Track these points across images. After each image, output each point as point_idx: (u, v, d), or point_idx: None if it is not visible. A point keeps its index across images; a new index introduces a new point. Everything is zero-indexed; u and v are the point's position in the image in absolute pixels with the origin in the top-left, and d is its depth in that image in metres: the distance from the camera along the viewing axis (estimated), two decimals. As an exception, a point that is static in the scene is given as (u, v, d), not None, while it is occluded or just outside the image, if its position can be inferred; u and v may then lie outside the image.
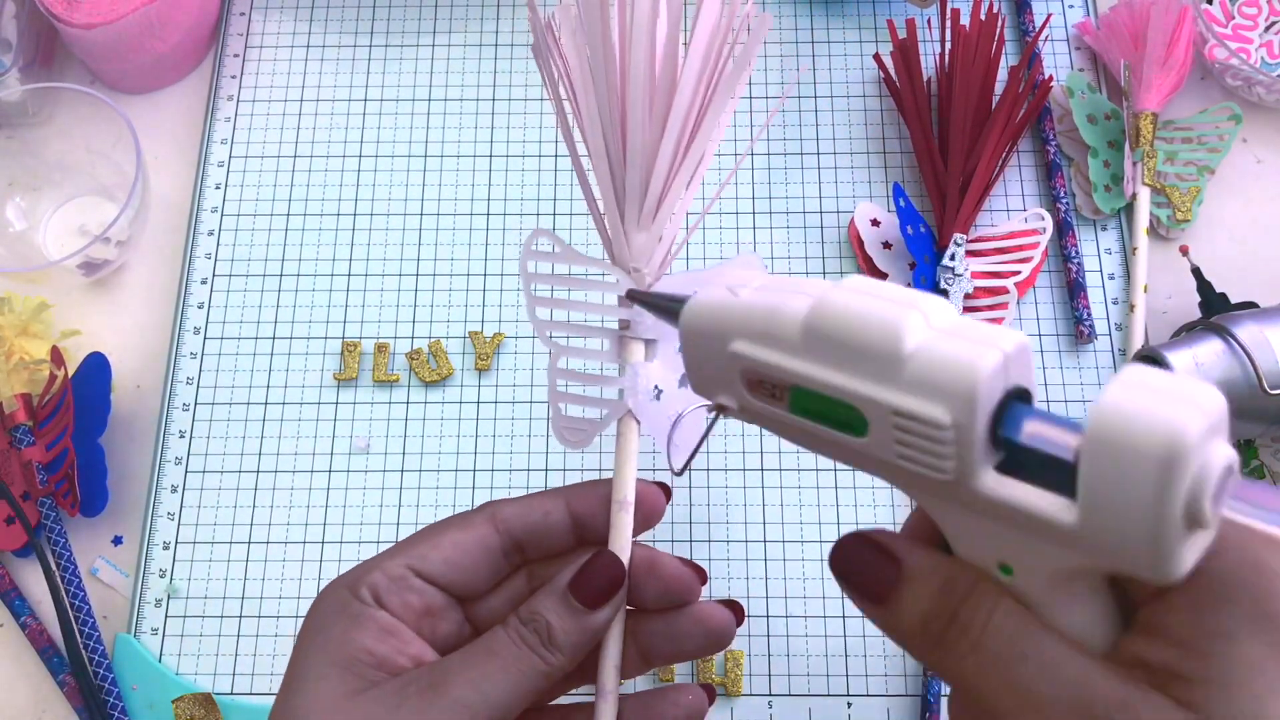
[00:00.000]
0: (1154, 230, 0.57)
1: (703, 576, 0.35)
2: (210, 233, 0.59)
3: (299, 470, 0.54)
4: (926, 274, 0.54)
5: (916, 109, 0.58)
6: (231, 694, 0.50)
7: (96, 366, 0.54)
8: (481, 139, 0.61)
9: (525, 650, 0.31)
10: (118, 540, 0.53)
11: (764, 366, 0.27)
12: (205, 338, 0.56)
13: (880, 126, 0.61)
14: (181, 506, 0.53)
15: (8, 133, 0.58)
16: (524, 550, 0.35)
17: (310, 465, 0.54)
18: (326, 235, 0.59)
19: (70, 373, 0.54)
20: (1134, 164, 0.57)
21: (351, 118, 0.62)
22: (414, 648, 0.32)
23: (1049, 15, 0.62)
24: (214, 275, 0.58)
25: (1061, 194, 0.58)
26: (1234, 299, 0.53)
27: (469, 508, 0.36)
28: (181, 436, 0.54)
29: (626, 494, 0.34)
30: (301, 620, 0.33)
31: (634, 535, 0.34)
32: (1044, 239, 0.55)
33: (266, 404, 0.55)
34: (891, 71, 0.60)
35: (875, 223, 0.57)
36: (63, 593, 0.51)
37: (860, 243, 0.57)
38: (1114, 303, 0.56)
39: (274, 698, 0.32)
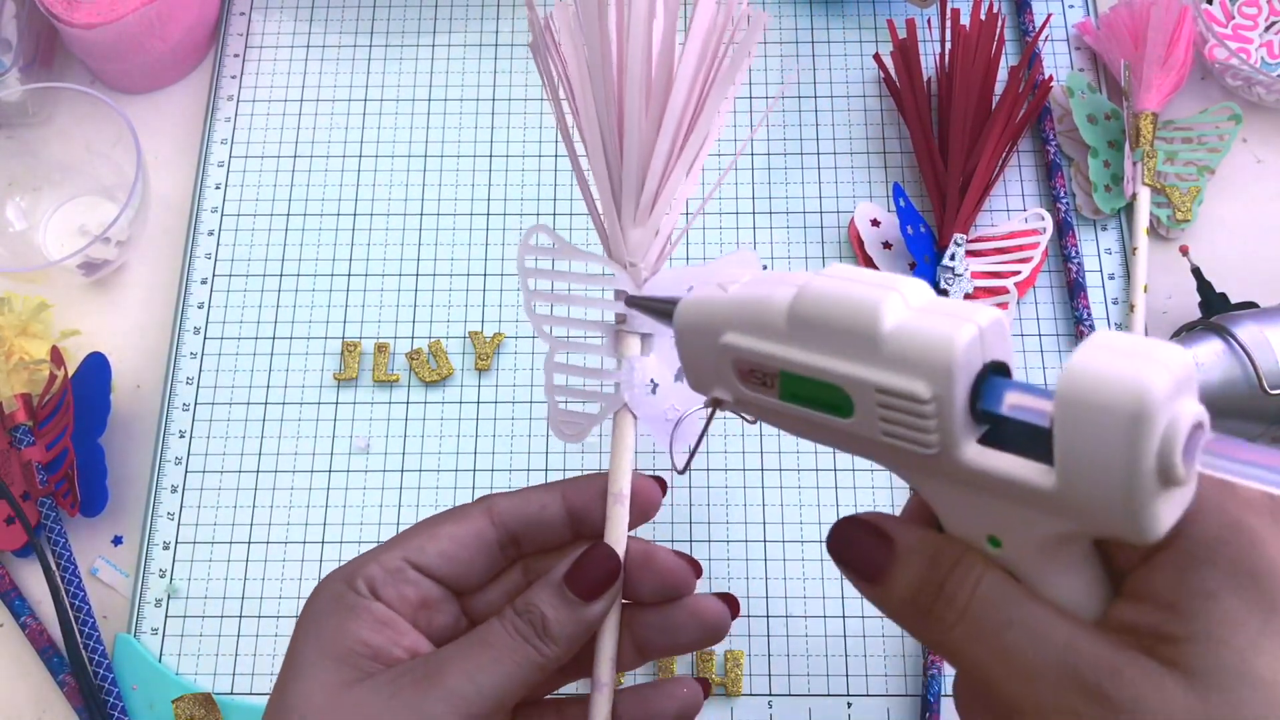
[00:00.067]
0: (1154, 230, 0.57)
1: (698, 569, 0.35)
2: (210, 233, 0.59)
3: (299, 470, 0.54)
4: (926, 274, 0.54)
5: (916, 109, 0.58)
6: (231, 694, 0.50)
7: (96, 366, 0.54)
8: (481, 139, 0.61)
9: (520, 641, 0.31)
10: (118, 540, 0.53)
11: (753, 355, 0.28)
12: (205, 338, 0.56)
13: (880, 126, 0.61)
14: (181, 506, 0.53)
15: (8, 133, 0.58)
16: (520, 543, 0.35)
17: (310, 465, 0.54)
18: (326, 235, 0.59)
19: (70, 373, 0.54)
20: (1134, 164, 0.57)
21: (351, 118, 0.62)
22: (409, 639, 0.32)
23: (1049, 15, 0.62)
24: (214, 275, 0.58)
25: (1061, 194, 0.58)
26: (1234, 299, 0.53)
27: (467, 504, 0.36)
28: (181, 436, 0.54)
29: (622, 487, 0.34)
30: (301, 619, 0.33)
31: (630, 528, 0.34)
32: (1044, 239, 0.55)
33: (266, 404, 0.55)
34: (891, 71, 0.60)
35: (875, 223, 0.57)
36: (63, 593, 0.51)
37: (860, 243, 0.57)
38: (1114, 303, 0.56)
39: (273, 695, 0.32)
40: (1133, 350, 0.22)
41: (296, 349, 0.56)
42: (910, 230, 0.55)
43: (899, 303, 0.25)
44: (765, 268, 0.57)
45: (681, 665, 0.50)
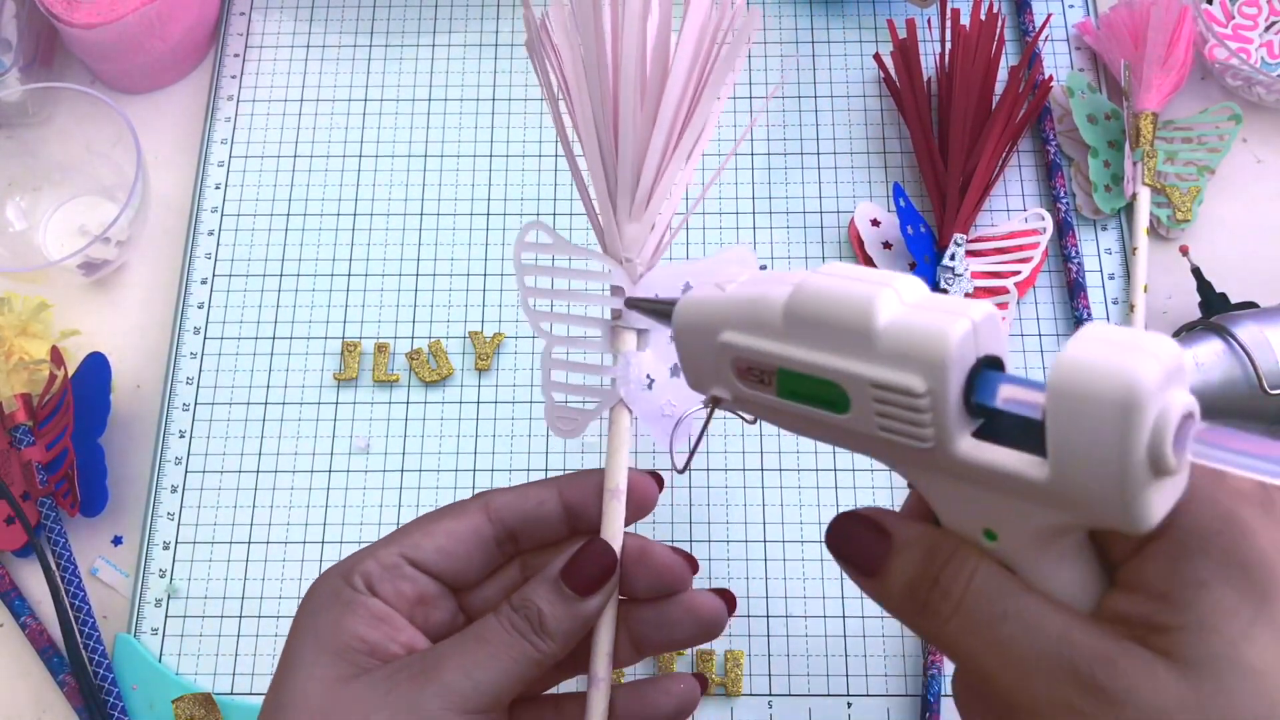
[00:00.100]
0: (1154, 230, 0.57)
1: (694, 565, 0.35)
2: (210, 233, 0.59)
3: (299, 470, 0.54)
4: (927, 274, 0.54)
5: (916, 109, 0.58)
6: (231, 694, 0.50)
7: (96, 366, 0.54)
8: (481, 139, 0.61)
9: (516, 637, 0.31)
10: (118, 540, 0.53)
11: (751, 353, 0.28)
12: (205, 338, 0.56)
13: (880, 126, 0.61)
14: (181, 506, 0.53)
15: (8, 133, 0.58)
16: (517, 540, 0.35)
17: (310, 465, 0.54)
18: (326, 235, 0.59)
19: (70, 373, 0.54)
20: (1134, 164, 0.57)
21: (351, 118, 0.62)
22: (406, 635, 0.32)
23: (1049, 15, 0.62)
24: (214, 275, 0.58)
25: (1061, 194, 0.58)
26: (1234, 299, 0.53)
27: (465, 501, 0.37)
28: (181, 436, 0.54)
29: (618, 482, 0.34)
30: (301, 618, 0.33)
31: (627, 524, 0.35)
32: (1044, 239, 0.55)
33: (266, 404, 0.55)
34: (891, 71, 0.60)
35: (875, 223, 0.57)
36: (63, 593, 0.51)
37: (860, 243, 0.57)
38: (1114, 303, 0.56)
39: (272, 694, 0.32)
40: (1123, 341, 0.22)
41: (296, 349, 0.56)
42: (910, 230, 0.55)
43: (893, 299, 0.26)
44: (764, 267, 0.57)
45: (681, 665, 0.50)
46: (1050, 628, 0.25)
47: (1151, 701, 0.23)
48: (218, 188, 0.60)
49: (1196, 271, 0.54)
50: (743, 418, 0.31)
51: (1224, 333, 0.49)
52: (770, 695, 0.49)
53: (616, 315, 0.37)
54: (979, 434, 0.25)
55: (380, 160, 0.61)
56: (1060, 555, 0.26)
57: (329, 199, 0.60)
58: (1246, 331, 0.48)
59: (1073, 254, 0.56)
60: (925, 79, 0.60)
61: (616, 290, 0.36)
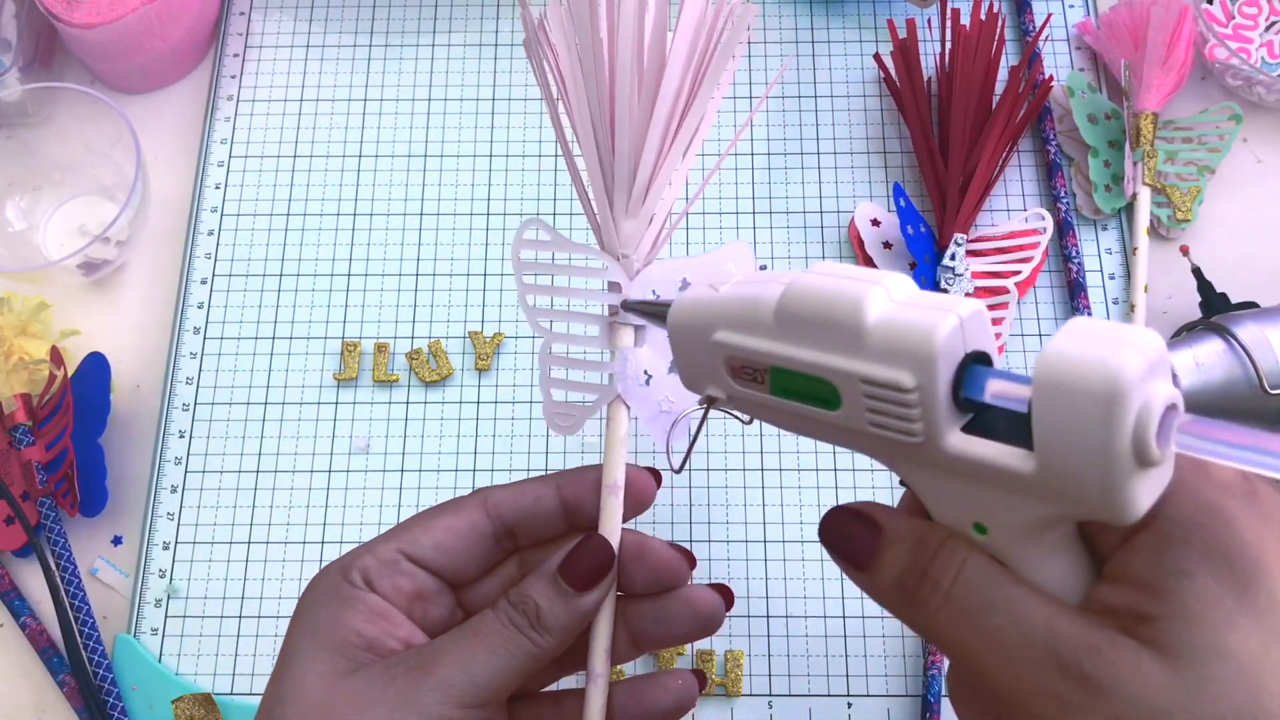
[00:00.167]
0: (1154, 230, 0.57)
1: (692, 561, 0.35)
2: (210, 233, 0.59)
3: (299, 470, 0.54)
4: (927, 274, 0.54)
5: (916, 109, 0.58)
6: (231, 694, 0.50)
7: (96, 366, 0.54)
8: (481, 139, 0.61)
9: (513, 632, 0.31)
10: (117, 540, 0.53)
11: (744, 352, 0.29)
12: (205, 338, 0.56)
13: (880, 126, 0.61)
14: (181, 506, 0.53)
15: (8, 133, 0.58)
16: (515, 535, 0.35)
17: (310, 465, 0.54)
18: (326, 235, 0.59)
19: (70, 373, 0.54)
20: (1134, 164, 0.57)
21: (351, 118, 0.62)
22: (404, 630, 0.32)
23: (1049, 15, 0.62)
24: (214, 275, 0.58)
25: (1062, 194, 0.58)
26: (1234, 299, 0.53)
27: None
28: (181, 436, 0.54)
29: (616, 478, 0.34)
30: (300, 618, 0.33)
31: (625, 520, 0.35)
32: (1044, 239, 0.55)
33: (266, 404, 0.55)
34: (892, 71, 0.60)
35: (875, 222, 0.57)
36: (62, 593, 0.51)
37: (860, 243, 0.57)
38: (1114, 303, 0.56)
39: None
40: (1106, 334, 0.23)
41: (296, 349, 0.56)
42: (910, 230, 0.55)
43: (882, 296, 0.26)
44: (764, 267, 0.57)
45: (681, 664, 0.49)
46: (1037, 618, 0.25)
47: (1136, 691, 0.23)
48: (217, 187, 0.60)
49: (1197, 271, 0.54)
50: (738, 418, 0.32)
51: (1224, 333, 0.49)
52: (770, 695, 0.49)
53: (614, 312, 0.37)
54: (968, 428, 0.26)
55: (380, 160, 0.61)
56: (1049, 548, 0.26)
57: (329, 199, 0.60)
58: (1247, 331, 0.48)
59: (1073, 254, 0.56)
60: (925, 79, 0.60)
61: (614, 286, 0.36)
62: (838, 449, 0.53)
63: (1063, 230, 0.57)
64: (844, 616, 0.50)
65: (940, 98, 0.59)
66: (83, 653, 0.50)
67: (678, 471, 0.36)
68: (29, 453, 0.52)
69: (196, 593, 0.51)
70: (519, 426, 0.54)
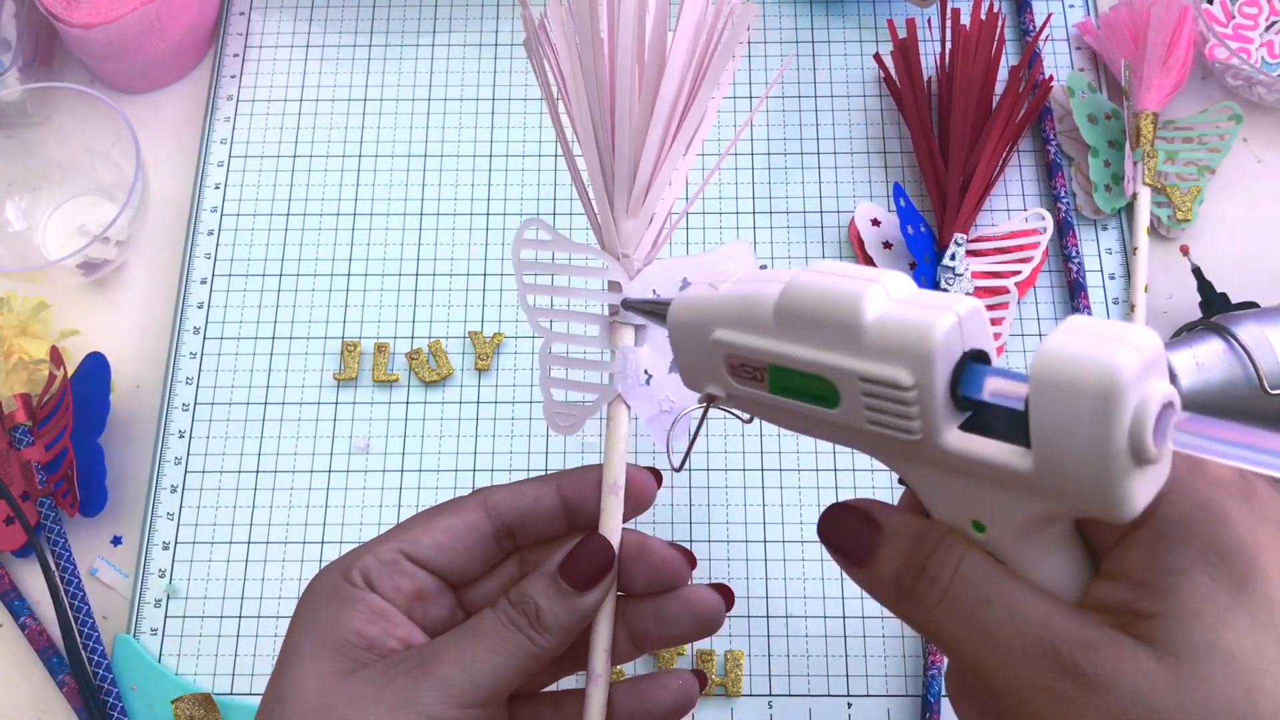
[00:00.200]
0: (1155, 230, 0.57)
1: (692, 561, 0.35)
2: (210, 232, 0.59)
3: (299, 470, 0.54)
4: (927, 274, 0.54)
5: (917, 109, 0.58)
6: (231, 694, 0.50)
7: (96, 366, 0.54)
8: (481, 139, 0.61)
9: (513, 631, 0.31)
10: (117, 540, 0.53)
11: (743, 350, 0.29)
12: (205, 338, 0.56)
13: (880, 126, 0.61)
14: (181, 506, 0.53)
15: (7, 133, 0.58)
16: (515, 535, 0.35)
17: (310, 465, 0.54)
18: (326, 235, 0.59)
19: (69, 373, 0.54)
20: (1134, 164, 0.57)
21: (351, 118, 0.62)
22: (404, 630, 0.32)
23: (1049, 15, 0.62)
24: (214, 275, 0.58)
25: (1062, 194, 0.58)
26: (1234, 299, 0.53)
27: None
28: (181, 436, 0.54)
29: (616, 478, 0.34)
30: (300, 618, 0.33)
31: (626, 520, 0.35)
32: (1044, 239, 0.55)
33: (266, 404, 0.55)
34: (892, 71, 0.60)
35: (875, 222, 0.57)
36: (62, 593, 0.51)
37: (860, 242, 0.57)
38: (1114, 303, 0.56)
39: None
40: (1103, 332, 0.23)
41: (296, 349, 0.56)
42: (910, 230, 0.55)
43: (880, 294, 0.26)
44: (764, 267, 0.57)
45: (682, 664, 0.49)
46: (1034, 614, 0.25)
47: (1132, 687, 0.23)
48: (217, 187, 0.60)
49: (1197, 271, 0.54)
50: (738, 416, 0.32)
51: (1225, 332, 0.49)
52: (770, 695, 0.49)
53: (614, 311, 0.37)
54: (966, 426, 0.26)
55: (380, 160, 0.61)
56: (1047, 545, 0.26)
57: (329, 199, 0.60)
58: (1247, 331, 0.48)
59: (1073, 254, 0.56)
60: (925, 79, 0.60)
61: (614, 286, 0.36)
62: (837, 448, 0.53)
63: (1063, 230, 0.57)
64: (844, 616, 0.50)
65: (940, 98, 0.59)
66: (82, 653, 0.50)
67: (678, 470, 0.36)
68: (29, 453, 0.52)
69: (196, 593, 0.51)
70: (519, 426, 0.54)
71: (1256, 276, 0.56)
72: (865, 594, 0.29)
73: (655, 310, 0.34)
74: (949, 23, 0.58)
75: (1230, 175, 0.59)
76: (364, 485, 0.53)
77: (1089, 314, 0.55)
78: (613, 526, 0.34)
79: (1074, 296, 0.55)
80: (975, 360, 0.26)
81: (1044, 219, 0.56)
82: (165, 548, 0.52)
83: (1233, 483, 0.25)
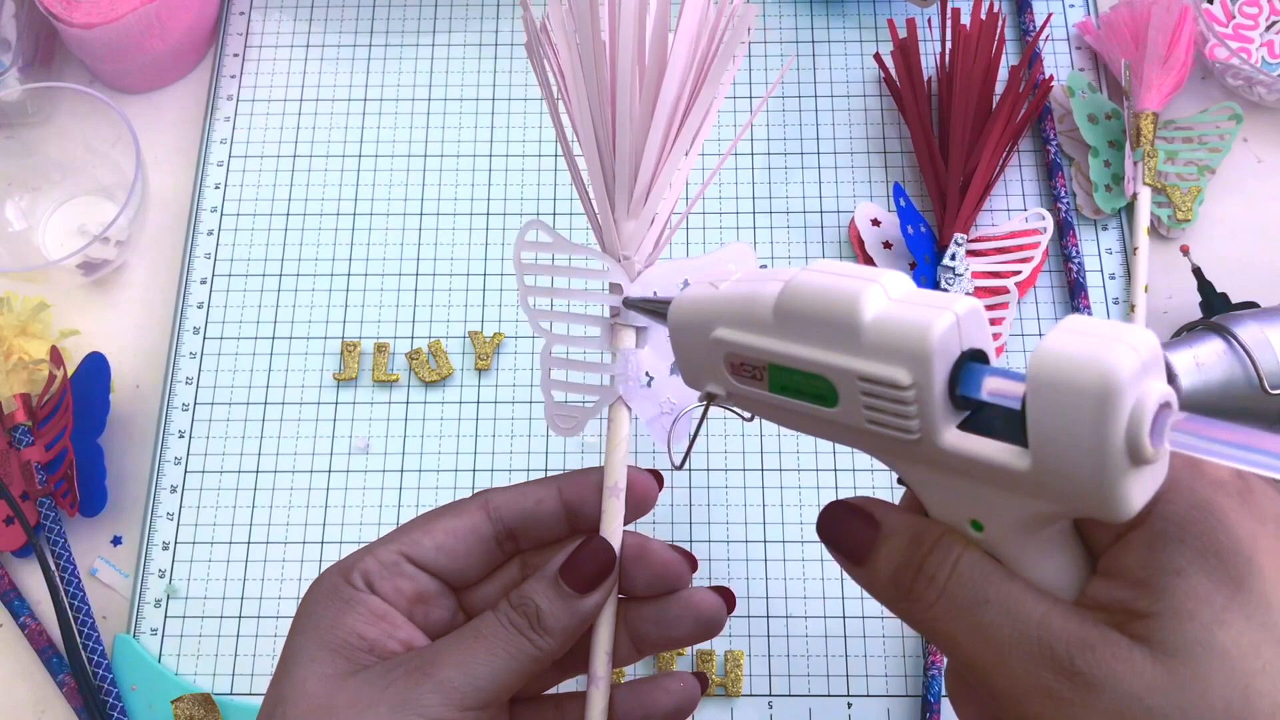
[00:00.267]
0: (1155, 230, 0.57)
1: (693, 563, 0.35)
2: (210, 232, 0.59)
3: (299, 470, 0.54)
4: (927, 274, 0.54)
5: (917, 109, 0.58)
6: (231, 694, 0.50)
7: (96, 366, 0.54)
8: (481, 139, 0.61)
9: (514, 633, 0.31)
10: (117, 540, 0.53)
11: (743, 349, 0.29)
12: (205, 338, 0.56)
13: (880, 126, 0.61)
14: (181, 506, 0.53)
15: (7, 133, 0.58)
16: (516, 538, 0.35)
17: (310, 465, 0.54)
18: (326, 235, 0.59)
19: (69, 372, 0.54)
20: (1135, 164, 0.57)
21: (351, 118, 0.62)
22: (405, 633, 0.32)
23: (1049, 15, 0.62)
24: (213, 275, 0.58)
25: (1062, 194, 0.58)
26: (1235, 299, 0.53)
27: (465, 500, 0.37)
28: (181, 436, 0.54)
29: (617, 480, 0.34)
30: (301, 618, 0.33)
31: (627, 523, 0.35)
32: (1044, 239, 0.55)
33: (266, 404, 0.55)
34: (892, 71, 0.60)
35: (876, 222, 0.57)
36: (62, 593, 0.51)
37: (860, 242, 0.57)
38: (1115, 303, 0.56)
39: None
40: (1100, 332, 0.23)
41: (296, 349, 0.56)
42: (910, 230, 0.55)
43: (879, 294, 0.26)
44: (764, 267, 0.57)
45: (682, 665, 0.49)
46: (1031, 614, 0.25)
47: (1128, 686, 0.23)
48: (217, 187, 0.60)
49: (1197, 271, 0.54)
50: (739, 414, 0.32)
51: (1225, 333, 0.49)
52: (770, 695, 0.49)
53: (615, 313, 0.37)
54: (965, 426, 0.26)
55: (380, 160, 0.61)
56: (1045, 545, 0.26)
57: (329, 199, 0.60)
58: (1247, 331, 0.48)
59: (1073, 254, 0.56)
60: (925, 79, 0.60)
61: (615, 288, 0.36)
62: (837, 448, 0.53)
63: (1063, 230, 0.57)
64: (844, 616, 0.50)
65: (940, 98, 0.59)
66: (82, 653, 0.50)
67: (678, 468, 0.36)
68: (29, 453, 0.52)
69: (196, 593, 0.51)
70: (519, 426, 0.54)
71: (1256, 276, 0.56)
72: (865, 593, 0.29)
73: (656, 309, 0.34)
74: (949, 23, 0.58)
75: (1230, 175, 0.59)
76: (364, 485, 0.53)
77: (1089, 314, 0.55)
78: (614, 529, 0.34)
79: (1074, 296, 0.55)
80: (973, 360, 0.26)
81: (1044, 219, 0.56)
82: (165, 548, 0.52)
83: (1230, 483, 0.25)
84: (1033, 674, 0.24)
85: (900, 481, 0.29)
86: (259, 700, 0.49)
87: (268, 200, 0.60)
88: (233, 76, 0.63)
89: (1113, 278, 0.56)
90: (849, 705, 0.49)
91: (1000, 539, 0.26)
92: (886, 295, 0.26)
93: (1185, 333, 0.51)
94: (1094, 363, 0.22)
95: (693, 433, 0.35)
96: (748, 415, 0.32)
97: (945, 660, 0.48)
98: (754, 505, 0.52)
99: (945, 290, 0.54)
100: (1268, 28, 0.61)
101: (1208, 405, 0.47)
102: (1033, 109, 0.59)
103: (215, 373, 0.56)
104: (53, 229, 0.59)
